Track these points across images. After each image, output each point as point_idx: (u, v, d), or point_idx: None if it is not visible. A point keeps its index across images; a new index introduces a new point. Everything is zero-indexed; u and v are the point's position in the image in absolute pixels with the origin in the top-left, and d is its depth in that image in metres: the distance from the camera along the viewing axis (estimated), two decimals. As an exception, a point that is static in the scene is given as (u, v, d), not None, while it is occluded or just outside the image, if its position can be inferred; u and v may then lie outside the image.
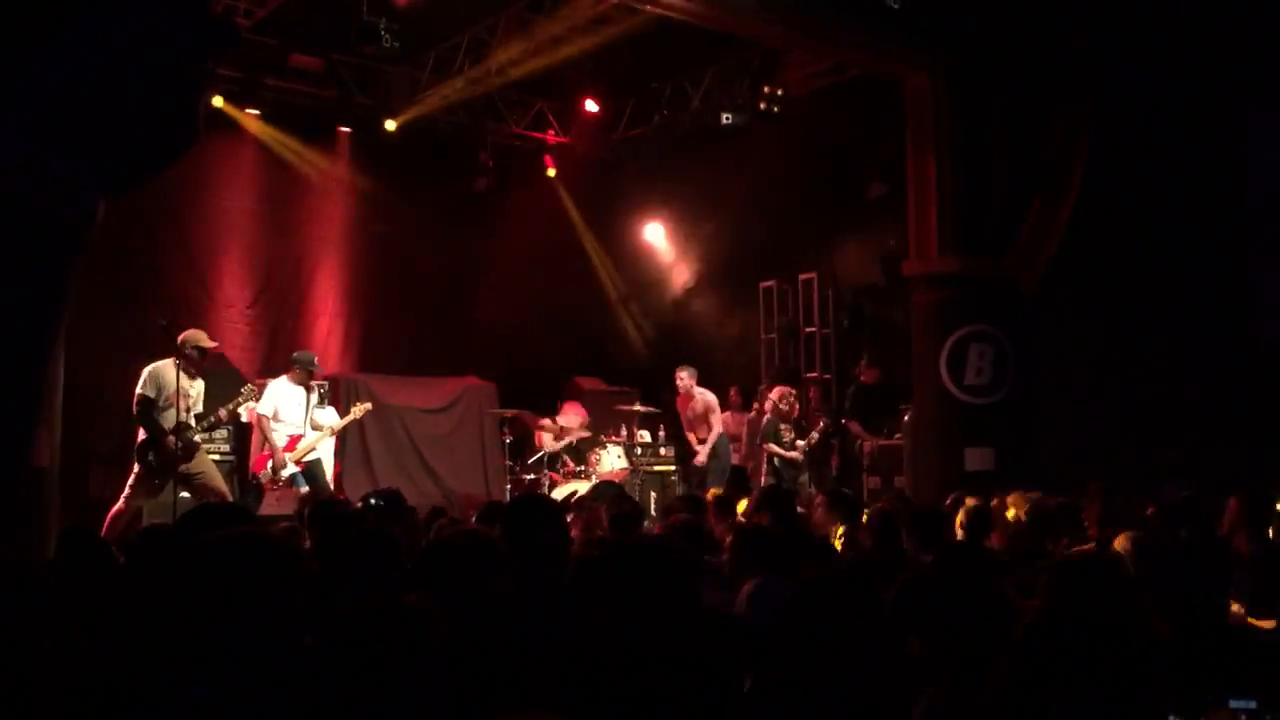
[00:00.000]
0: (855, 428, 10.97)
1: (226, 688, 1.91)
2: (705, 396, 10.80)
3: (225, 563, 1.95)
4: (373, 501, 5.33)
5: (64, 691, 2.64)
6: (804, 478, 10.63)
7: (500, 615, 2.57)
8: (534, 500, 3.98)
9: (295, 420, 8.92)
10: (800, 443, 10.49)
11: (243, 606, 1.89)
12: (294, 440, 8.86)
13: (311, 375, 9.02)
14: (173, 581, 2.29)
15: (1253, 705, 2.42)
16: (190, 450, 7.95)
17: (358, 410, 9.33)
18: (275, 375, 9.29)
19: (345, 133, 12.35)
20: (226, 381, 8.70)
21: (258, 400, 8.68)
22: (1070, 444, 9.27)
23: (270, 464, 8.79)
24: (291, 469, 8.79)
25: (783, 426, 10.54)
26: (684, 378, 10.88)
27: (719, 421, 10.82)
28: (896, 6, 8.75)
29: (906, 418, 10.39)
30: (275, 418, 8.82)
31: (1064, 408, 9.57)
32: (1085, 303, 9.60)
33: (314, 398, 9.12)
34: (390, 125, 12.21)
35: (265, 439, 8.87)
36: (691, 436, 10.94)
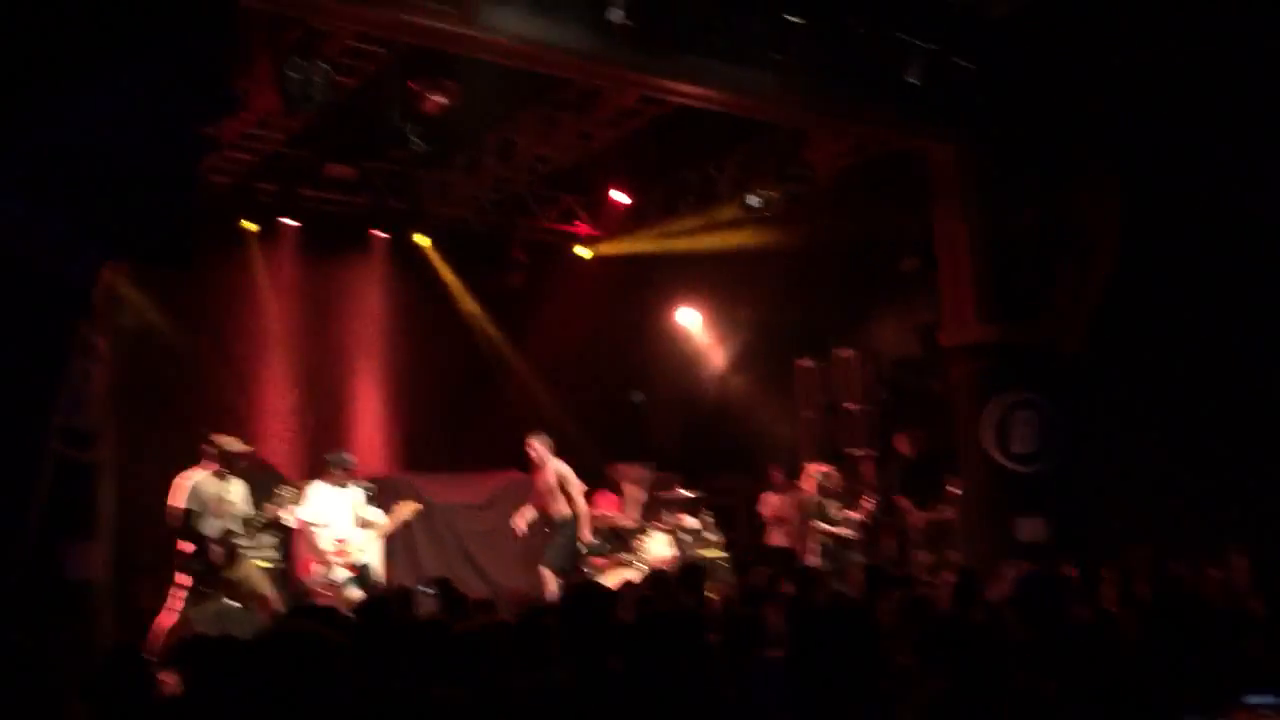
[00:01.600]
0: (903, 503, 10.82)
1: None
2: (559, 467, 9.89)
3: (266, 661, 1.94)
4: (422, 589, 5.31)
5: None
6: (856, 556, 10.46)
7: (552, 706, 2.53)
8: (587, 588, 3.93)
9: (340, 522, 8.91)
10: (854, 515, 10.37)
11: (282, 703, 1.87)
12: (342, 544, 8.84)
13: (349, 474, 9.03)
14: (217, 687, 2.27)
15: (1271, 700, 2.34)
16: (235, 558, 8.01)
17: (408, 511, 9.29)
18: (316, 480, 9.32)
19: (380, 238, 12.58)
20: (270, 485, 8.74)
21: (298, 504, 8.71)
22: (1124, 510, 9.09)
23: (318, 568, 8.77)
24: (342, 573, 8.77)
25: (829, 503, 10.42)
26: (537, 447, 9.92)
27: (579, 493, 9.85)
28: (917, 83, 8.84)
29: (955, 490, 10.25)
30: (319, 523, 8.82)
31: (1115, 473, 9.41)
32: (1130, 364, 9.49)
33: (359, 496, 9.12)
34: (423, 240, 12.53)
35: (311, 545, 8.86)
36: (533, 512, 9.95)
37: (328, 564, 8.73)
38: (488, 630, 3.41)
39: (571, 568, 9.76)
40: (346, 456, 9.07)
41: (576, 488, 9.84)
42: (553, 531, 9.93)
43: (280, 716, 1.76)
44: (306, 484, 9.24)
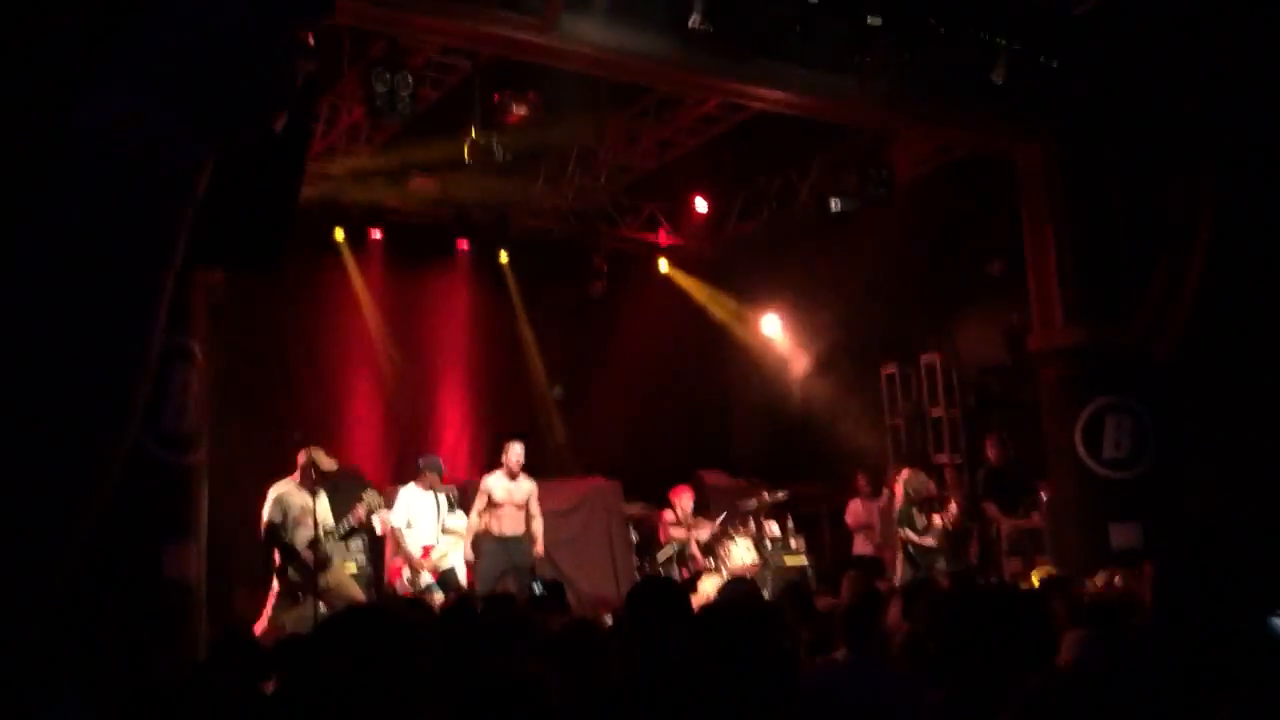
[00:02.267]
0: (991, 510, 10.64)
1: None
2: (531, 485, 9.42)
3: (345, 639, 1.99)
4: (536, 589, 5.37)
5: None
6: (940, 563, 10.32)
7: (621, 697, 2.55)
8: (653, 583, 3.95)
9: (427, 528, 9.04)
10: (938, 520, 10.23)
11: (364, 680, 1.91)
12: (427, 550, 8.97)
13: (440, 479, 9.17)
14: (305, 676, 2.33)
15: None
16: (326, 564, 8.17)
17: None
18: (405, 484, 9.48)
19: (463, 248, 12.77)
20: (356, 491, 8.90)
21: (385, 507, 8.85)
22: (1220, 515, 8.84)
23: (406, 573, 8.91)
24: (428, 578, 8.90)
25: (915, 511, 10.30)
26: (520, 453, 9.30)
27: (539, 516, 9.37)
28: (1000, 82, 8.72)
29: (1044, 496, 10.06)
30: (408, 526, 8.97)
31: (1212, 478, 9.15)
32: (1225, 366, 9.22)
33: (444, 503, 9.26)
34: (503, 258, 12.69)
35: (399, 549, 9.01)
36: (492, 521, 9.15)
37: (415, 568, 8.86)
38: (574, 628, 3.44)
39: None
40: (439, 462, 9.22)
41: (537, 508, 9.41)
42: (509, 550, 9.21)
43: (367, 687, 1.82)
44: (392, 489, 9.41)
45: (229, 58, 0.92)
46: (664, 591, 3.38)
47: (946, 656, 2.62)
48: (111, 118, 0.87)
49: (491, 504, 9.14)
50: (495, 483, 9.23)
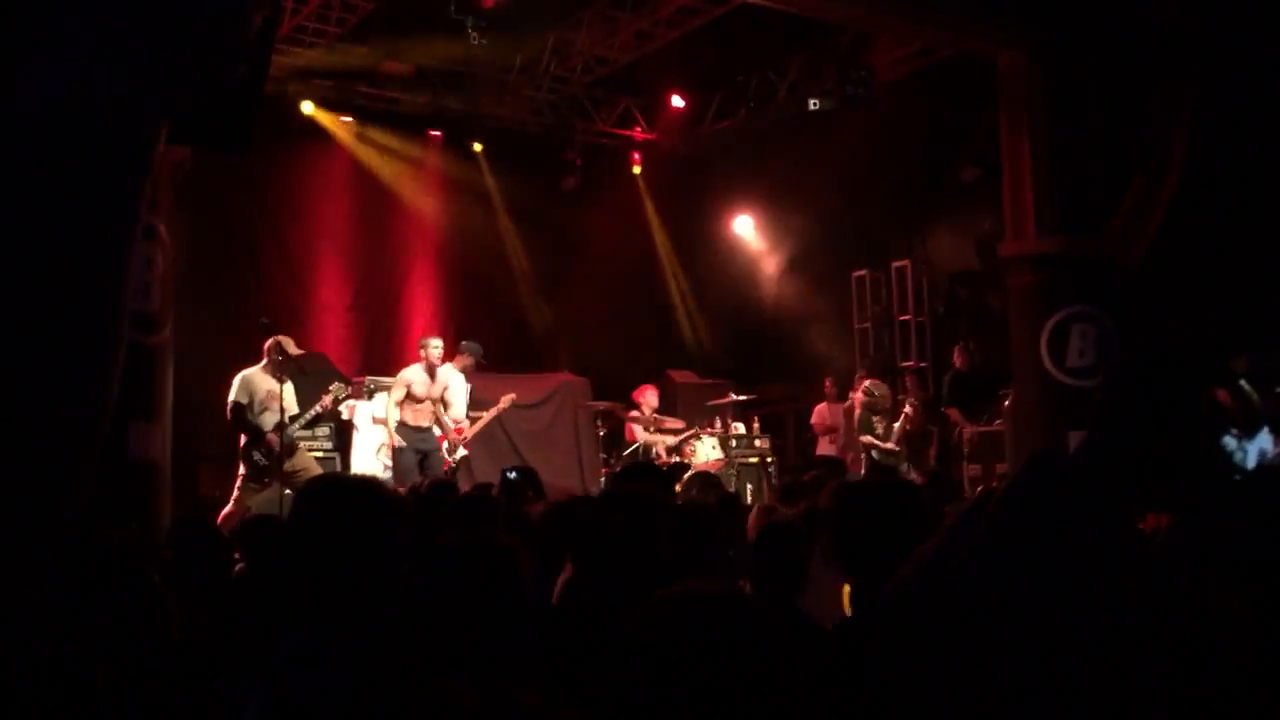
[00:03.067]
0: (954, 415, 10.78)
1: (325, 628, 1.94)
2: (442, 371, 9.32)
3: (327, 498, 2.00)
4: (511, 475, 5.43)
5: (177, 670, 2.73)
6: (903, 467, 10.48)
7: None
8: (641, 466, 3.98)
9: (461, 407, 9.37)
10: (896, 426, 10.38)
11: (343, 537, 1.92)
12: (460, 428, 9.40)
13: (475, 364, 9.45)
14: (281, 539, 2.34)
15: None
16: (292, 449, 8.18)
17: (504, 401, 9.79)
18: (374, 373, 9.49)
19: (436, 136, 12.56)
20: (329, 380, 8.89)
21: (352, 397, 8.89)
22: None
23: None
24: (462, 451, 9.37)
25: (875, 418, 10.42)
26: (440, 348, 9.20)
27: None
28: (986, -17, 8.59)
29: (1007, 403, 10.19)
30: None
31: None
32: (1192, 280, 9.30)
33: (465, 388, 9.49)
34: (477, 147, 12.48)
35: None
36: (407, 413, 9.03)
37: (454, 442, 9.25)
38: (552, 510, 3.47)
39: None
40: (480, 348, 9.54)
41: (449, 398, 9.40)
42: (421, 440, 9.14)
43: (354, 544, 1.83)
44: (360, 378, 9.42)
45: (179, 16, 0.82)
46: (650, 472, 3.41)
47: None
48: (61, 88, 0.78)
49: (410, 397, 9.08)
50: (415, 375, 9.17)
